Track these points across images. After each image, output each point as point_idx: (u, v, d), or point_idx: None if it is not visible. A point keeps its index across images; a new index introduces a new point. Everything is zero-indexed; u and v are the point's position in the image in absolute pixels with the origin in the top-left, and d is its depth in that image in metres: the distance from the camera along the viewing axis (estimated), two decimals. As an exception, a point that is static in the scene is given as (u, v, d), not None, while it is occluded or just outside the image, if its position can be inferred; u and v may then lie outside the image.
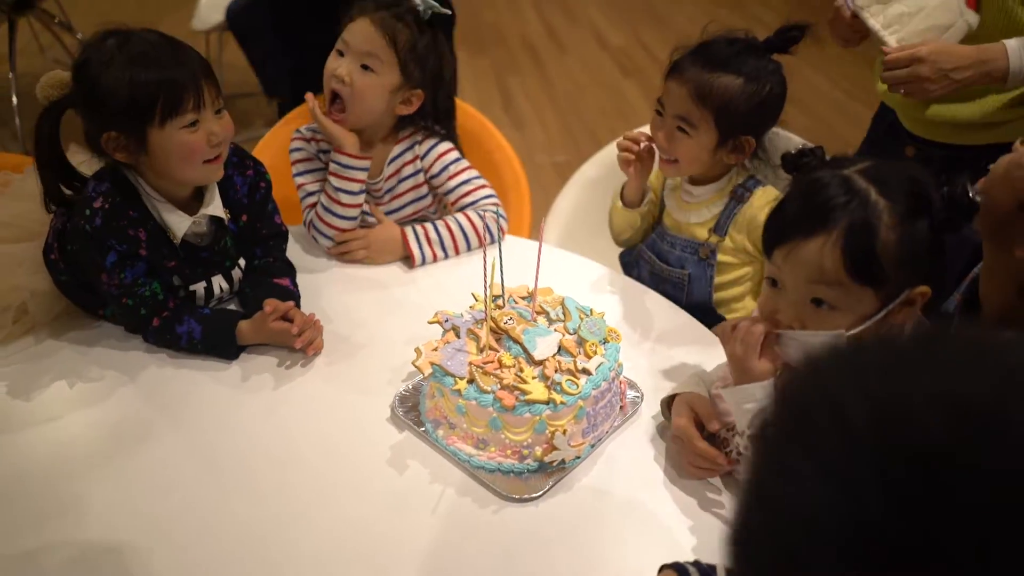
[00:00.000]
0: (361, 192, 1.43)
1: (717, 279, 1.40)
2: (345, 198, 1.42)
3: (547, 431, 1.00)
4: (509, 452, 1.02)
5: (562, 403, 0.99)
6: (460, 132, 1.57)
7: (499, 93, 3.97)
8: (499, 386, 1.00)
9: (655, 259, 1.45)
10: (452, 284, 1.37)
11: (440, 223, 1.46)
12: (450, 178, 1.49)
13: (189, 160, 1.16)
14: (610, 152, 1.72)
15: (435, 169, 1.50)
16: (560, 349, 1.05)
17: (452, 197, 1.50)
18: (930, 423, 0.35)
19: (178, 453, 1.06)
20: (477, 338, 1.07)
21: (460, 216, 1.47)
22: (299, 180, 1.49)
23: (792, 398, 0.41)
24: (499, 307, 1.11)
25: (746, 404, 0.94)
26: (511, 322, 1.08)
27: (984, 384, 0.36)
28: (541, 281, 1.12)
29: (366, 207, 1.47)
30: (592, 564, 0.93)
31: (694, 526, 0.96)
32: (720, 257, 1.38)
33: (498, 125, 1.83)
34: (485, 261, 1.06)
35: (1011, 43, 1.25)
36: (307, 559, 0.92)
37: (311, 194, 1.47)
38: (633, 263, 1.51)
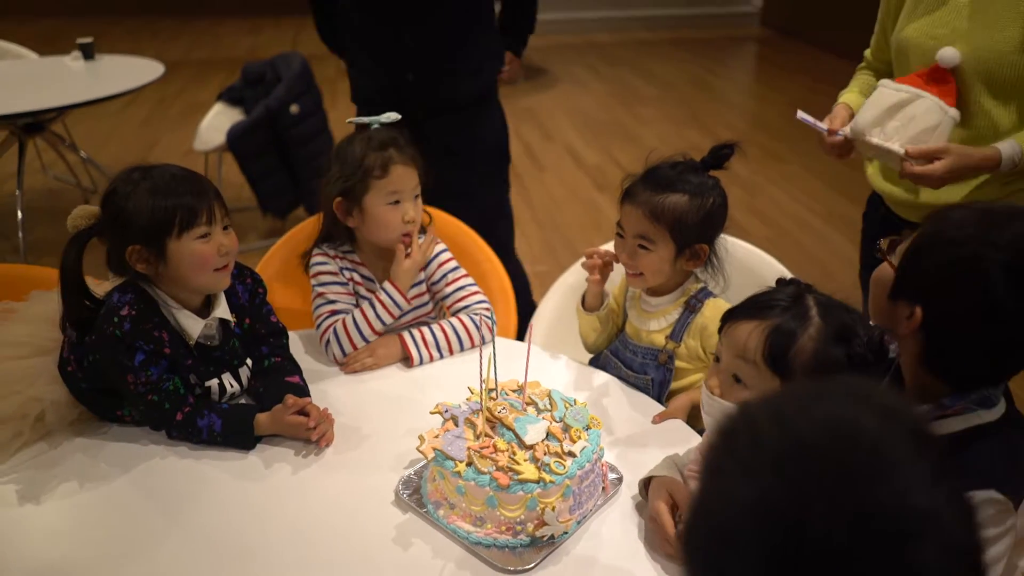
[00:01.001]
0: (392, 323, 1.60)
1: (674, 384, 1.52)
2: (379, 326, 1.57)
3: (538, 508, 1.12)
4: (504, 528, 1.13)
5: (551, 482, 1.11)
6: (450, 245, 1.75)
7: (482, 207, 4.20)
8: (495, 468, 1.13)
9: (620, 364, 1.57)
10: (447, 381, 1.51)
11: (436, 326, 1.61)
12: (447, 284, 1.67)
13: (202, 268, 1.32)
14: (587, 261, 1.92)
15: (436, 276, 1.67)
16: (548, 435, 1.18)
17: (449, 301, 1.67)
18: (816, 434, 0.53)
19: (200, 536, 1.16)
20: (474, 426, 1.20)
21: (455, 320, 1.62)
22: (320, 290, 1.61)
23: (724, 424, 0.58)
24: (493, 399, 1.25)
25: None
26: (504, 411, 1.21)
27: (852, 411, 0.55)
28: (529, 376, 1.26)
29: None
30: (581, 628, 1.03)
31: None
32: (677, 363, 1.51)
33: (485, 238, 2.02)
34: (481, 357, 1.20)
35: (1003, 148, 1.44)
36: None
37: (331, 303, 1.60)
38: (601, 368, 1.63)
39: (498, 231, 2.30)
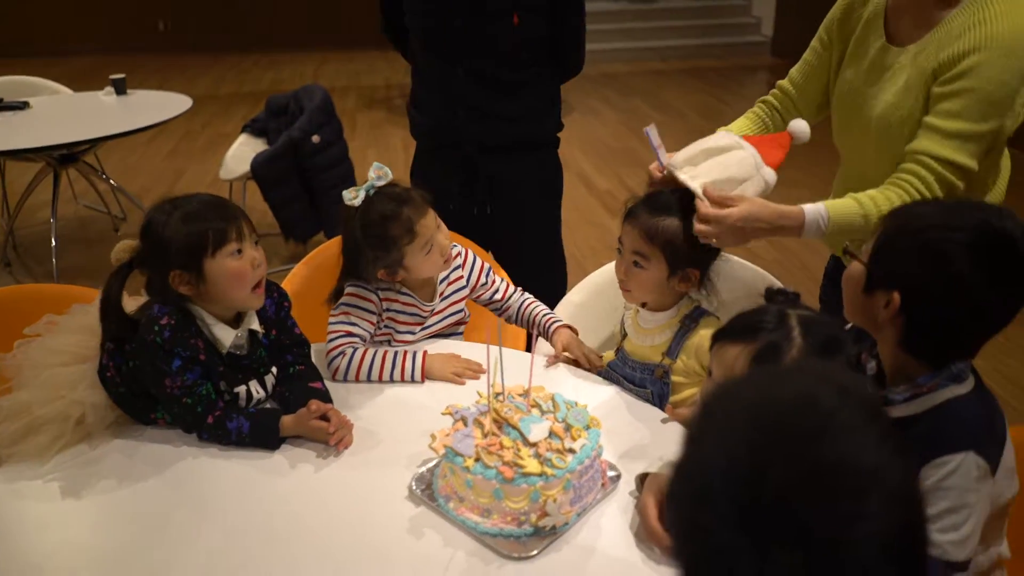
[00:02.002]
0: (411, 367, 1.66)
1: (672, 397, 1.60)
2: (386, 377, 1.63)
3: (540, 499, 1.21)
4: (509, 519, 1.22)
5: (552, 475, 1.20)
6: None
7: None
8: (500, 463, 1.22)
9: (623, 379, 1.65)
10: (458, 388, 1.61)
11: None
12: (491, 286, 1.86)
13: (240, 283, 1.43)
14: (592, 279, 2.02)
15: (481, 279, 1.83)
16: (550, 433, 1.28)
17: (495, 302, 1.86)
18: (782, 405, 0.62)
19: (228, 527, 1.26)
20: (482, 426, 1.30)
21: None
22: (345, 309, 1.68)
23: (704, 400, 0.68)
24: (500, 401, 1.35)
25: None
26: (510, 412, 1.31)
27: (814, 386, 0.64)
28: (534, 383, 1.36)
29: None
30: (579, 608, 1.12)
31: (665, 577, 1.16)
32: (673, 377, 1.59)
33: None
34: (489, 358, 1.30)
35: (808, 208, 1.44)
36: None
37: (351, 324, 1.66)
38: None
39: (552, 270, 2.47)
